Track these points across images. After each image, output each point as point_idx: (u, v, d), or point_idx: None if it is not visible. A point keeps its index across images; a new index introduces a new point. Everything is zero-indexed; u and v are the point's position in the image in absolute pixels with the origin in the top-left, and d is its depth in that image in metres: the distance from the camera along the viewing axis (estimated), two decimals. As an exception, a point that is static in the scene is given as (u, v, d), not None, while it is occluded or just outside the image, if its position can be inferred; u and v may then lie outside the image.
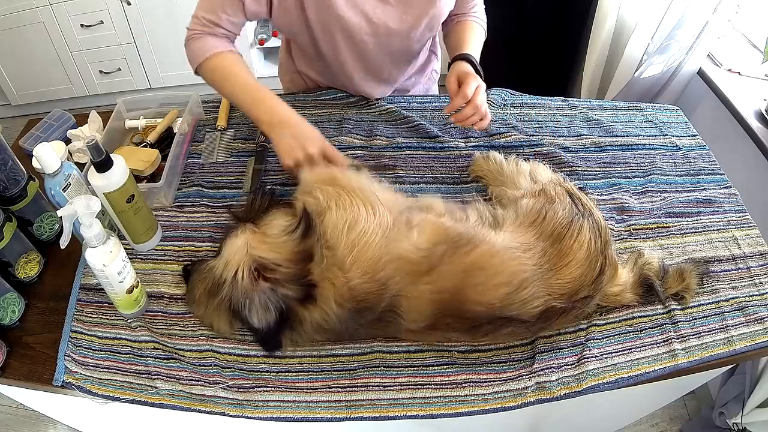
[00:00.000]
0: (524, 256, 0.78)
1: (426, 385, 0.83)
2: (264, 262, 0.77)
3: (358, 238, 0.77)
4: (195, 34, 1.01)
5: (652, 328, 0.89)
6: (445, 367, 0.85)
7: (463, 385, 0.83)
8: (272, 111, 0.96)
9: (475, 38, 1.12)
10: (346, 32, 1.04)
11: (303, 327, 0.79)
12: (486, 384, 0.83)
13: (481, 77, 1.02)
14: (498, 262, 0.77)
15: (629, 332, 0.89)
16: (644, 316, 0.91)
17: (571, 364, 0.85)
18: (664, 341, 0.88)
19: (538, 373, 0.84)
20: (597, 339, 0.87)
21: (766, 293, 0.95)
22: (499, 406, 0.81)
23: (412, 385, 0.83)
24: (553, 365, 0.84)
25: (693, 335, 0.89)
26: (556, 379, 0.83)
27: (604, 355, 0.86)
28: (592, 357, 0.85)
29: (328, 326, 0.79)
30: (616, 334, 0.88)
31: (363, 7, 1.01)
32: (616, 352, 0.86)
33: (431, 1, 1.03)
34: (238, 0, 0.97)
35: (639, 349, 0.87)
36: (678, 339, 0.88)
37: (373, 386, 0.83)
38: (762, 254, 1.00)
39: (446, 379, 0.84)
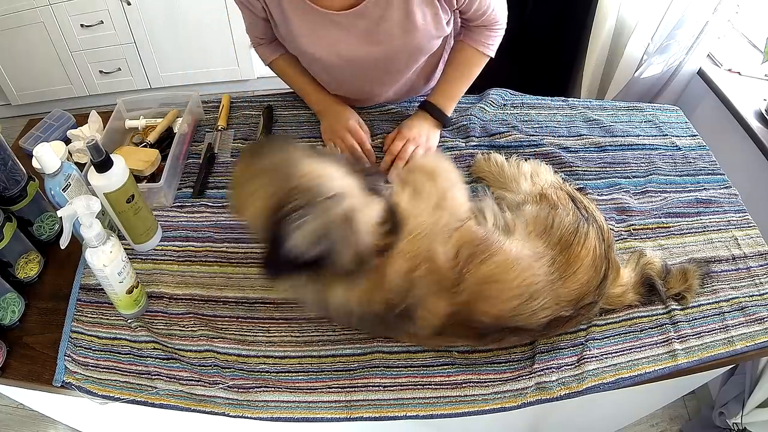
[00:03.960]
0: (536, 266, 0.77)
1: (426, 385, 0.83)
2: (354, 214, 0.69)
3: (414, 227, 0.74)
4: (253, 44, 1.14)
5: (652, 328, 0.89)
6: (445, 367, 0.85)
7: (463, 385, 0.83)
8: (317, 101, 1.16)
9: (459, 74, 1.11)
10: (319, 65, 1.05)
11: (324, 292, 0.72)
12: (486, 384, 0.83)
13: (444, 125, 1.13)
14: (512, 277, 0.75)
15: (629, 332, 0.89)
16: (644, 317, 0.91)
17: (571, 365, 0.85)
18: (664, 341, 0.88)
19: (538, 373, 0.84)
20: (597, 339, 0.87)
21: (766, 293, 0.95)
22: (499, 406, 0.81)
23: (412, 385, 0.83)
24: (553, 365, 0.84)
25: (693, 335, 0.89)
26: (556, 380, 0.83)
27: (604, 356, 0.86)
28: (592, 357, 0.85)
29: (344, 310, 0.73)
30: (616, 335, 0.88)
31: (328, 42, 0.98)
32: (616, 352, 0.86)
33: (405, 37, 0.97)
34: (252, 16, 1.05)
35: (639, 349, 0.87)
36: (678, 339, 0.88)
37: (373, 386, 0.83)
38: (762, 254, 1.00)
39: (446, 379, 0.84)
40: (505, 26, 1.09)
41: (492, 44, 1.09)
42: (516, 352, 0.86)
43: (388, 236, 0.72)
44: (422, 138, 1.10)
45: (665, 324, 0.90)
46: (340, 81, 1.10)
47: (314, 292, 0.74)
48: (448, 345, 0.86)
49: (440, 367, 0.85)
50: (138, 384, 0.83)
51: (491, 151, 1.10)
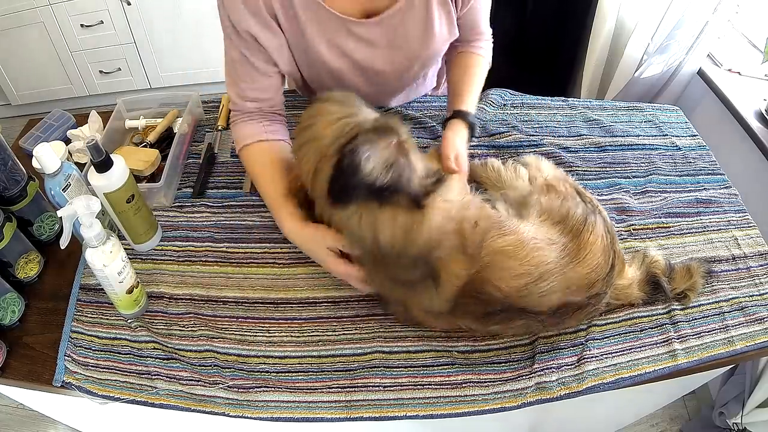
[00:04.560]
0: (547, 248, 0.79)
1: (426, 385, 0.83)
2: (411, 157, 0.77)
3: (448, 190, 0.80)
4: (233, 119, 1.02)
5: (652, 328, 0.89)
6: (445, 367, 0.85)
7: (463, 385, 0.83)
8: (281, 224, 0.93)
9: (476, 82, 1.08)
10: (333, 75, 1.02)
11: (377, 224, 0.75)
12: (486, 384, 0.83)
13: (473, 132, 1.02)
14: (523, 254, 0.77)
15: (629, 332, 0.89)
16: (644, 316, 0.91)
17: (571, 365, 0.85)
18: (664, 341, 0.88)
19: (538, 373, 0.84)
20: (597, 339, 0.87)
21: (766, 293, 0.95)
22: (499, 406, 0.81)
23: (412, 385, 0.83)
24: (553, 365, 0.85)
25: (693, 335, 0.89)
26: (556, 380, 0.83)
27: (604, 356, 0.86)
28: (592, 357, 0.85)
29: (389, 245, 0.75)
30: (616, 335, 0.88)
31: (346, 51, 0.97)
32: (616, 352, 0.86)
33: (424, 45, 0.98)
34: (249, 66, 0.96)
35: (639, 349, 0.87)
36: (678, 339, 0.88)
37: (373, 386, 0.83)
38: (762, 254, 1.00)
39: (446, 379, 0.84)
40: (491, 39, 1.12)
41: (486, 50, 1.11)
42: (516, 352, 0.86)
43: (431, 186, 0.78)
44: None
45: (665, 324, 0.90)
46: (349, 88, 1.10)
47: (368, 224, 0.77)
48: (457, 328, 0.85)
49: (440, 367, 0.85)
50: (138, 384, 0.83)
51: (487, 157, 1.10)
